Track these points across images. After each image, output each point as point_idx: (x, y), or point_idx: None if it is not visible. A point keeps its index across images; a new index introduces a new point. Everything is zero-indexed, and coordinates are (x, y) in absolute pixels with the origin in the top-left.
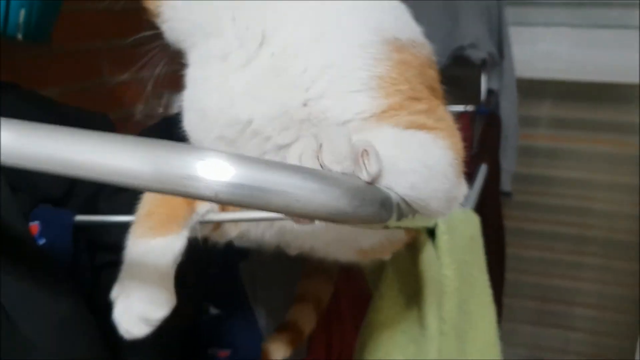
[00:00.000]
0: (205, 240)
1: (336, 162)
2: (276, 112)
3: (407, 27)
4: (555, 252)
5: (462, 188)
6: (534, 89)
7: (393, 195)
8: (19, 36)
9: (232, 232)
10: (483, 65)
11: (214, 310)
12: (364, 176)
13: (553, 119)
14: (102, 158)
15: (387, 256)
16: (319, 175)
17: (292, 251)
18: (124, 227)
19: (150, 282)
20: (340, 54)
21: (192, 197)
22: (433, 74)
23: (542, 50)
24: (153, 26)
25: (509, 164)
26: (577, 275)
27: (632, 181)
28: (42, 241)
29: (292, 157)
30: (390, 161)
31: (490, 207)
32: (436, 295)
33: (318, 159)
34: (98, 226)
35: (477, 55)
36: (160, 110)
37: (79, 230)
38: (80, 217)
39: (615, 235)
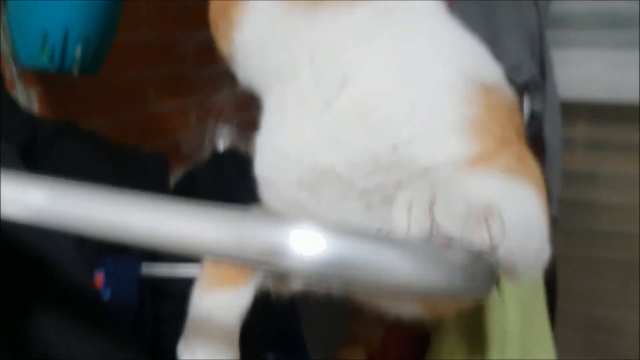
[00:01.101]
0: (271, 291)
1: (451, 220)
2: (361, 158)
3: (492, 70)
4: (603, 279)
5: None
6: (570, 111)
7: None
8: (75, 71)
9: (298, 284)
10: (525, 87)
11: (271, 357)
12: (484, 241)
13: (590, 141)
14: (187, 231)
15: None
16: (423, 249)
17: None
18: (190, 277)
19: (215, 339)
20: (427, 96)
21: (280, 270)
22: (518, 120)
23: (579, 72)
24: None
25: (554, 188)
26: (626, 303)
27: None
28: (107, 292)
29: (399, 207)
30: None
31: None
32: (499, 339)
33: (430, 213)
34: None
35: (519, 77)
36: (207, 142)
37: (144, 280)
38: (146, 268)
39: None
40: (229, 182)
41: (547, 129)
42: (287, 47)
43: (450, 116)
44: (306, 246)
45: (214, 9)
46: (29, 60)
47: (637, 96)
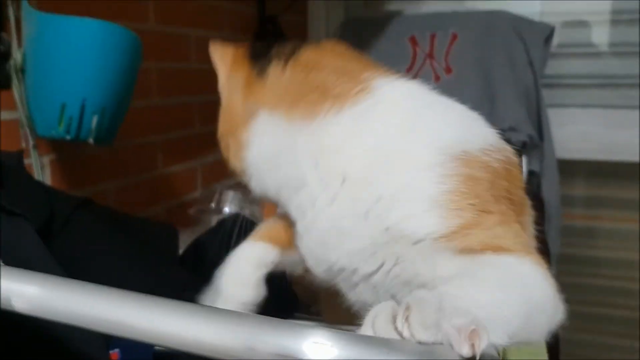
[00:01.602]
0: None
1: (424, 328)
2: (362, 245)
3: (478, 136)
4: (604, 334)
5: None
6: (568, 169)
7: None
8: (91, 141)
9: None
10: (523, 147)
11: None
12: (469, 353)
13: (588, 198)
14: (203, 335)
15: None
16: (429, 353)
17: None
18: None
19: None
20: (409, 179)
21: None
22: (509, 181)
23: (576, 131)
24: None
25: (553, 245)
26: (626, 357)
27: None
28: None
29: (366, 324)
30: (491, 310)
31: None
32: None
33: (396, 325)
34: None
35: (517, 138)
36: (213, 205)
37: (159, 356)
38: (159, 347)
39: None
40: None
41: (545, 187)
42: (294, 159)
43: (429, 194)
44: (318, 353)
45: (222, 130)
46: (46, 131)
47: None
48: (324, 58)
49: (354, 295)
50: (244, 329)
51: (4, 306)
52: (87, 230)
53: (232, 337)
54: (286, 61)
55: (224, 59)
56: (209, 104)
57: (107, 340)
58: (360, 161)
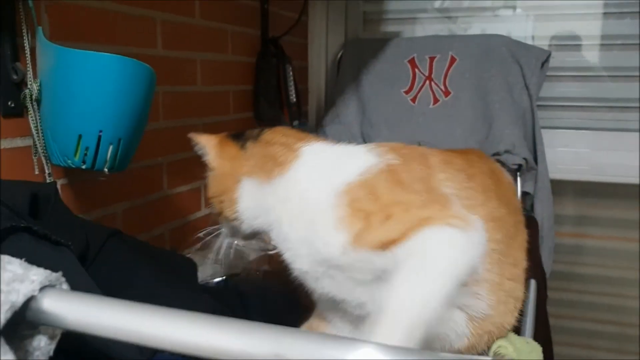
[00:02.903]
0: None
1: None
2: (313, 260)
3: (356, 167)
4: (593, 350)
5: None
6: (558, 188)
7: None
8: (105, 170)
9: None
10: (519, 169)
11: None
12: None
13: (577, 217)
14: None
15: None
16: None
17: None
18: None
19: None
20: (316, 216)
21: None
22: (403, 176)
23: (565, 152)
24: None
25: (546, 265)
26: None
27: None
28: None
29: None
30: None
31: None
32: None
33: None
34: None
35: (512, 160)
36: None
37: None
38: None
39: None
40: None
41: (539, 208)
42: (266, 209)
43: (331, 224)
44: None
45: (216, 191)
46: (62, 160)
47: (621, 175)
48: (276, 137)
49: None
50: (297, 343)
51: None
52: (119, 260)
53: (284, 352)
54: (254, 140)
55: (210, 142)
56: (212, 125)
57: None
58: (296, 206)
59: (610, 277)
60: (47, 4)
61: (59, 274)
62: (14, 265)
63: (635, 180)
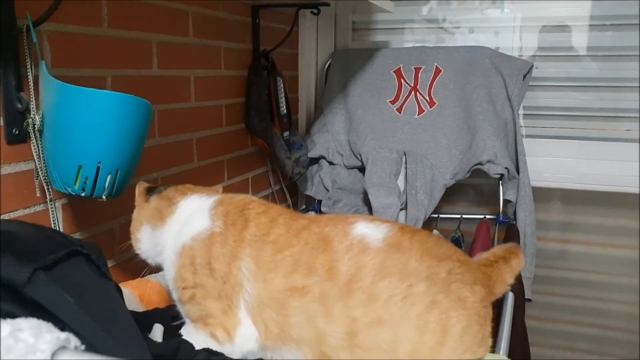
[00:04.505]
0: None
1: None
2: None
3: (191, 229)
4: (576, 352)
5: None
6: (543, 196)
7: None
8: (103, 197)
9: None
10: (501, 178)
11: None
12: None
13: (562, 223)
14: None
15: None
16: None
17: None
18: None
19: None
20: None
21: None
22: (203, 259)
23: (550, 161)
24: None
25: (528, 271)
26: None
27: None
28: None
29: None
30: None
31: (517, 329)
32: None
33: None
34: None
35: (495, 170)
36: None
37: None
38: None
39: (635, 337)
40: None
41: (520, 215)
42: (157, 249)
43: (170, 276)
44: None
45: (132, 228)
46: (62, 187)
47: (603, 183)
48: (170, 193)
49: None
50: None
51: None
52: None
53: None
54: (158, 194)
55: (137, 190)
56: (205, 139)
57: None
58: (170, 249)
59: (593, 282)
60: (49, 32)
61: (67, 334)
62: (25, 334)
63: (618, 189)
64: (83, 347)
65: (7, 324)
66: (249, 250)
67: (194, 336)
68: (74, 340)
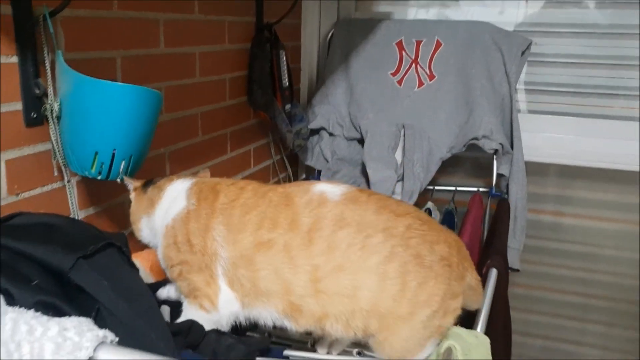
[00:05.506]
0: None
1: None
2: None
3: (173, 210)
4: (559, 318)
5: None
6: (539, 170)
7: None
8: (118, 180)
9: None
10: (495, 153)
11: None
12: None
13: (556, 197)
14: None
15: None
16: None
17: None
18: None
19: None
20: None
21: None
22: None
23: (549, 137)
24: None
25: (517, 243)
26: (581, 340)
27: (633, 256)
28: None
29: None
30: None
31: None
32: None
33: None
34: None
35: (489, 145)
36: None
37: None
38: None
39: (616, 305)
40: None
41: (513, 189)
42: (153, 233)
43: (161, 256)
44: None
45: (132, 219)
46: (79, 170)
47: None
48: (161, 182)
49: None
50: None
51: None
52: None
53: None
54: (153, 186)
55: (134, 186)
56: (209, 113)
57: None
58: (159, 232)
59: (581, 253)
60: (62, 17)
61: (104, 331)
62: (70, 332)
63: (617, 166)
64: (117, 339)
65: (55, 323)
66: (220, 219)
67: (189, 311)
68: (110, 336)
